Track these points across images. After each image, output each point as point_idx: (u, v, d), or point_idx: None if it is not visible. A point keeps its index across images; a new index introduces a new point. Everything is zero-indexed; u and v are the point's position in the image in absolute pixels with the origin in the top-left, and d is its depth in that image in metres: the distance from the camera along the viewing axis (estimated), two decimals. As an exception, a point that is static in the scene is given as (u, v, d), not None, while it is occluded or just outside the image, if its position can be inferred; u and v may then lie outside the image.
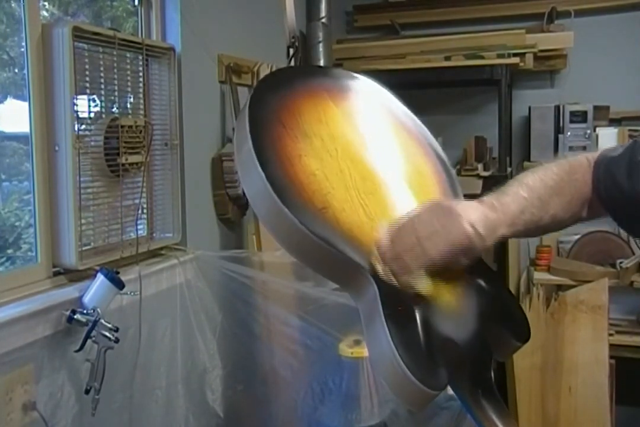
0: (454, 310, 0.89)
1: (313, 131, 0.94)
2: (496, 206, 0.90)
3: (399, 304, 0.83)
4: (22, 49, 1.56)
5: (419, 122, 1.10)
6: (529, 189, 0.94)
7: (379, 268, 0.84)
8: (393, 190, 0.96)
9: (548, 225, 0.95)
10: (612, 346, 2.67)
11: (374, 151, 0.98)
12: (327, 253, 0.83)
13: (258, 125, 0.89)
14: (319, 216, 0.84)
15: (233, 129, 2.25)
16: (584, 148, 2.99)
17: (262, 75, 2.36)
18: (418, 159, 1.05)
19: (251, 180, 0.86)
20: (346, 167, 0.92)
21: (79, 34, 1.58)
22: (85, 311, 1.52)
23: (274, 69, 2.39)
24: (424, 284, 0.86)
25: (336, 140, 0.95)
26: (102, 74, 1.69)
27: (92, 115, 1.67)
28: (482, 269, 0.97)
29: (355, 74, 1.11)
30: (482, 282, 0.95)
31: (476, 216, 0.87)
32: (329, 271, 0.88)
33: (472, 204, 0.90)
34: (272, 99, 0.95)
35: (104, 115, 1.72)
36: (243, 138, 0.87)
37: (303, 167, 0.88)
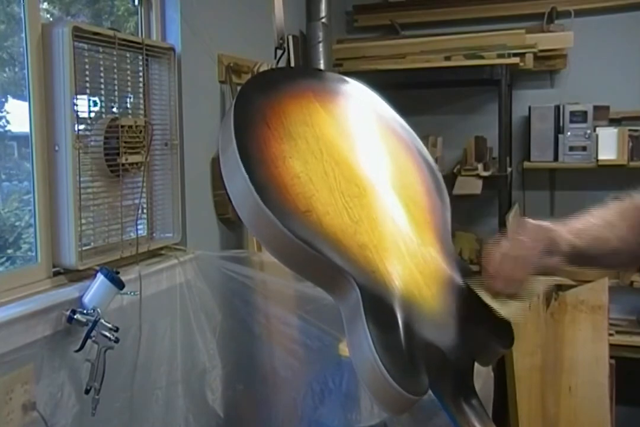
0: (437, 315, 0.89)
1: (298, 133, 0.93)
2: (559, 223, 0.97)
3: (381, 309, 0.83)
4: (22, 49, 1.56)
5: (405, 124, 1.10)
6: (593, 215, 1.00)
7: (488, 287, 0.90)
8: (378, 193, 0.96)
9: (619, 248, 0.98)
10: (612, 346, 2.67)
11: (359, 154, 0.98)
12: (310, 256, 0.82)
13: (243, 126, 0.89)
14: (303, 218, 0.84)
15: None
16: (584, 148, 2.99)
17: (262, 75, 2.36)
18: (404, 163, 1.05)
19: (234, 181, 0.85)
20: (331, 170, 0.92)
21: (79, 34, 1.58)
22: (85, 311, 1.52)
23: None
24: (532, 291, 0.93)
25: (321, 142, 0.95)
26: (102, 74, 1.69)
27: (92, 115, 1.67)
28: (466, 273, 0.97)
29: (345, 77, 1.11)
30: (465, 287, 0.95)
31: (543, 222, 0.95)
32: (312, 274, 0.88)
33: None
34: (258, 100, 0.94)
35: (104, 115, 1.72)
36: (228, 139, 0.87)
37: (287, 169, 0.88)
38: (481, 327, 0.91)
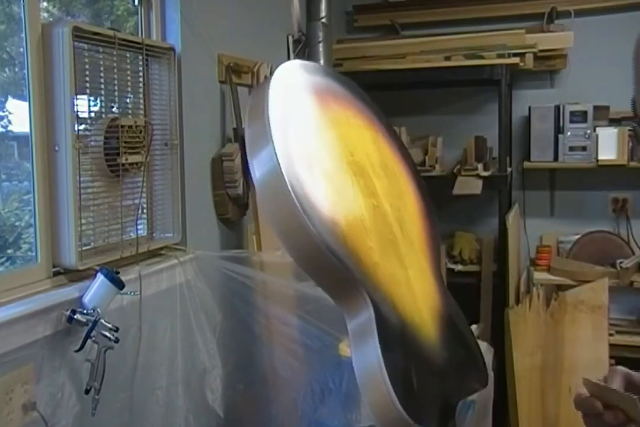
0: (434, 345, 0.90)
1: (328, 132, 0.92)
2: None
3: (390, 331, 0.83)
4: (22, 49, 1.56)
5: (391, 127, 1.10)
6: None
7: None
8: (385, 211, 0.96)
9: None
10: (612, 346, 2.67)
11: (370, 163, 0.98)
12: (331, 263, 0.81)
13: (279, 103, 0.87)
14: (332, 228, 0.82)
15: (234, 129, 2.25)
16: (584, 148, 2.99)
17: (262, 76, 2.36)
18: (403, 183, 1.05)
19: (264, 165, 0.81)
20: (350, 178, 0.91)
21: (79, 34, 1.58)
22: (85, 311, 1.52)
23: (274, 69, 2.38)
24: None
25: (344, 145, 0.94)
26: (102, 74, 1.69)
27: (92, 115, 1.67)
28: (460, 315, 0.99)
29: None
30: (458, 324, 0.96)
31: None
32: (326, 281, 0.86)
33: None
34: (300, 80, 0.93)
35: (104, 115, 1.72)
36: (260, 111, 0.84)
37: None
38: (466, 363, 0.93)
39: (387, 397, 0.77)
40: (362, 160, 0.94)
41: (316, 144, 0.89)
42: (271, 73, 0.97)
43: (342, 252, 0.81)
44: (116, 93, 1.76)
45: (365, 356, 0.81)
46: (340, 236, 0.83)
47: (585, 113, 3.00)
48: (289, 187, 0.79)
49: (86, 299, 1.55)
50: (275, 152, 0.80)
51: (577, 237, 3.18)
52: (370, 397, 0.80)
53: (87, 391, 1.51)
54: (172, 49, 1.95)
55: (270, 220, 0.84)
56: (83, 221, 1.64)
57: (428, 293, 0.96)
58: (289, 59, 2.56)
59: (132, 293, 1.69)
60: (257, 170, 0.83)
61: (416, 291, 0.92)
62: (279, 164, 0.80)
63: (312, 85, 0.96)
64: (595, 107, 3.01)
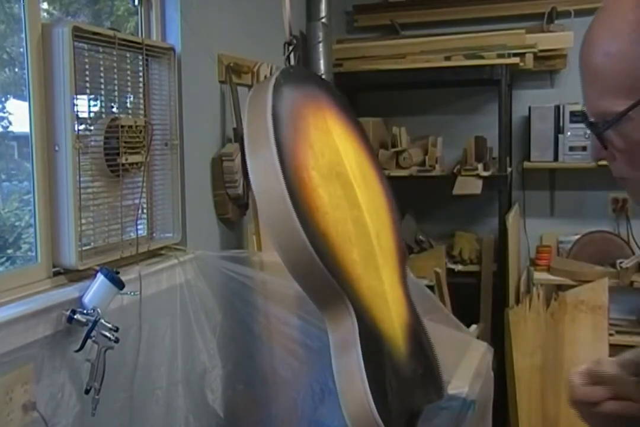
0: (404, 359, 0.91)
1: (318, 143, 0.93)
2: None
3: (370, 343, 0.84)
4: (22, 49, 1.56)
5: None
6: None
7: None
8: (368, 225, 0.96)
9: None
10: (612, 346, 2.67)
11: (356, 174, 0.98)
12: (320, 271, 0.81)
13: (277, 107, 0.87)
14: (323, 239, 0.83)
15: (233, 129, 2.25)
16: (584, 148, 2.99)
17: (262, 76, 2.36)
18: (380, 199, 1.06)
19: (265, 178, 0.82)
20: (340, 190, 0.92)
21: (79, 34, 1.58)
22: (85, 311, 1.52)
23: (274, 69, 2.39)
24: None
25: (334, 156, 0.95)
26: (102, 74, 1.69)
27: (92, 115, 1.67)
28: (423, 327, 1.01)
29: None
30: (421, 337, 0.98)
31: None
32: (313, 289, 0.86)
33: None
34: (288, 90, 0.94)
35: (104, 115, 1.72)
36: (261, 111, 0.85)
37: (310, 179, 0.87)
38: (427, 374, 0.95)
39: (367, 408, 0.78)
40: (347, 171, 0.96)
41: (310, 153, 0.90)
42: (271, 73, 0.98)
43: (331, 262, 0.82)
44: (116, 93, 1.76)
45: (347, 365, 0.82)
46: (330, 246, 0.84)
47: (585, 113, 2.99)
48: (287, 196, 0.80)
49: (86, 299, 1.55)
50: (276, 159, 0.81)
51: (577, 237, 3.18)
52: (350, 406, 0.81)
53: (87, 391, 1.51)
54: (172, 49, 1.95)
55: (265, 222, 0.85)
56: (83, 221, 1.64)
57: (399, 306, 0.98)
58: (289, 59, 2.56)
59: (132, 293, 1.69)
60: (255, 172, 0.84)
61: (390, 304, 0.94)
62: (280, 170, 0.81)
63: (298, 94, 0.97)
64: (595, 107, 3.01)
